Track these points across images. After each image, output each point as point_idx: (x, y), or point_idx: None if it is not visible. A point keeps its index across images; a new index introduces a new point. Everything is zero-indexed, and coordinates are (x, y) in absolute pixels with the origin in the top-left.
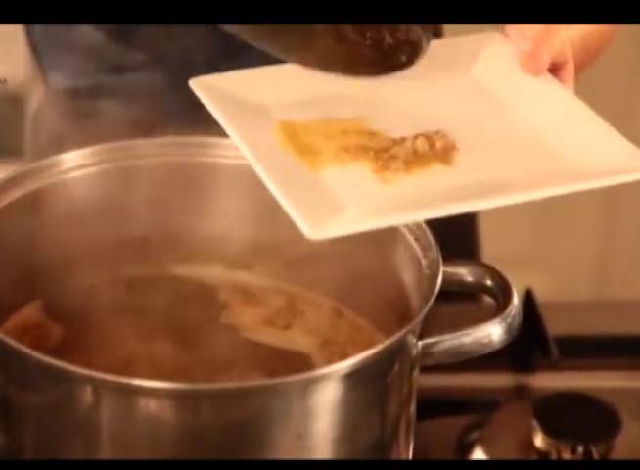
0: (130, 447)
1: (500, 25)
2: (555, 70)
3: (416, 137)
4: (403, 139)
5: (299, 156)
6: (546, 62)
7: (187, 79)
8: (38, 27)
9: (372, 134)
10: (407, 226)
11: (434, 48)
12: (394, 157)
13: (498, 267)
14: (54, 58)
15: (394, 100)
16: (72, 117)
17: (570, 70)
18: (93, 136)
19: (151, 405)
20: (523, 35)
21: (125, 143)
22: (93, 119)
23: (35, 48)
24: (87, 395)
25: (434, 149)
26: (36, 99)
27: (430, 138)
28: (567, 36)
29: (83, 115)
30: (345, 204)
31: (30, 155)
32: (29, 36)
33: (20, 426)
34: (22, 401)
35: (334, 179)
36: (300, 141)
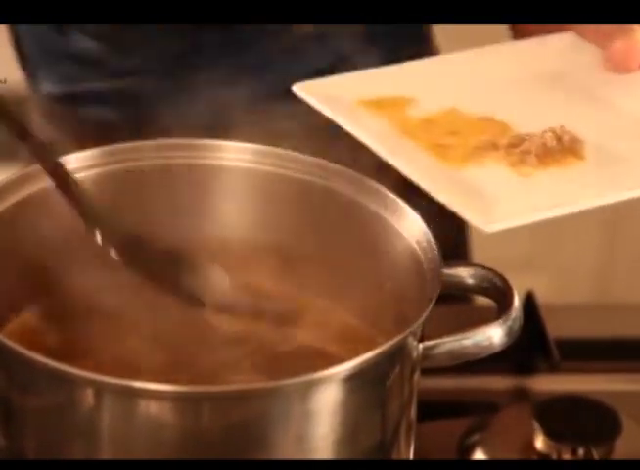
0: (131, 449)
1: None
2: None
3: (544, 132)
4: (530, 135)
5: (429, 151)
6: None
7: (180, 84)
8: (29, 35)
9: (503, 130)
10: (408, 228)
11: (522, 49)
12: (526, 152)
13: (499, 269)
14: (46, 65)
15: (510, 98)
16: (65, 123)
17: None
18: (87, 142)
19: (152, 408)
20: (606, 34)
21: (127, 145)
22: (86, 126)
23: (24, 56)
24: (88, 397)
25: (562, 143)
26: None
27: (556, 132)
28: None
29: (76, 121)
30: (499, 198)
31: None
32: (17, 44)
33: (21, 428)
34: (23, 404)
35: (475, 176)
36: (427, 136)
